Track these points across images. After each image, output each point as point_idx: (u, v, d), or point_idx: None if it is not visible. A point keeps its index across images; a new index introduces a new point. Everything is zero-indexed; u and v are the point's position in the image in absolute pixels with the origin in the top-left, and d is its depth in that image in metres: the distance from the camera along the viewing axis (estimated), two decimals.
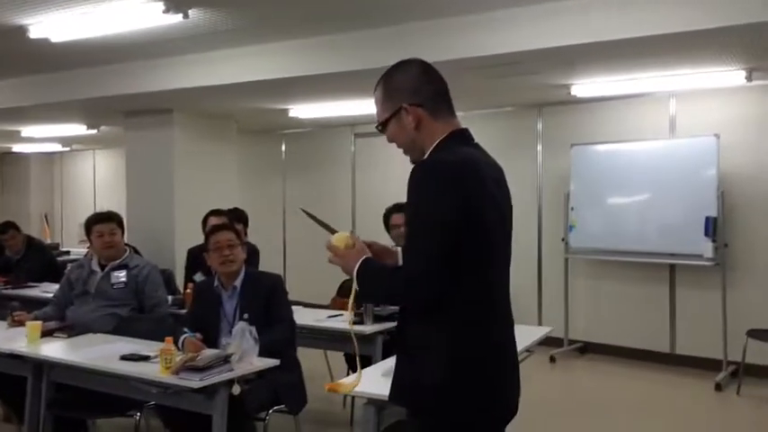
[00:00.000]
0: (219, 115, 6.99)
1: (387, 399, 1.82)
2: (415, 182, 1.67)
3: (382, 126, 1.83)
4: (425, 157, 1.76)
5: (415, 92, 1.77)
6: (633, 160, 5.86)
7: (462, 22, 4.22)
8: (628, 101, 5.99)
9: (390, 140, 1.84)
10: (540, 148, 6.65)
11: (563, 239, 6.33)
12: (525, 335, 3.43)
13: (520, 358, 3.37)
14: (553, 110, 6.50)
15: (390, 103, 1.80)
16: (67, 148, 10.75)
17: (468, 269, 1.64)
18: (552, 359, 6.09)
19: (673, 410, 4.81)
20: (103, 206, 10.15)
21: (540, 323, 6.46)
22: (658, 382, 5.48)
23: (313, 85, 5.32)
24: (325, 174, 8.33)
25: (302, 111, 6.81)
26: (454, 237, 1.61)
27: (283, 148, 8.74)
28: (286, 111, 6.84)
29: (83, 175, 11.22)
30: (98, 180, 10.97)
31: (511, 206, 1.87)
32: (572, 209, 6.18)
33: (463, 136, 1.81)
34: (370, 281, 1.71)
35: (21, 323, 3.63)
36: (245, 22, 4.42)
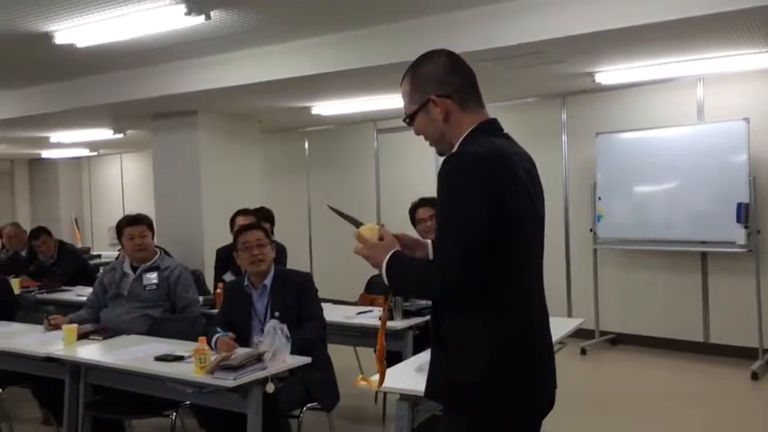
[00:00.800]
0: (243, 115, 7.04)
1: (421, 395, 1.81)
2: (445, 175, 1.65)
3: (410, 119, 1.80)
4: (454, 149, 1.74)
5: (442, 83, 1.74)
6: (661, 147, 5.77)
7: (483, 12, 4.20)
8: (654, 87, 5.91)
9: (418, 133, 1.82)
10: (564, 138, 6.59)
11: (591, 230, 6.26)
12: (556, 327, 3.38)
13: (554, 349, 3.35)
14: (577, 99, 6.43)
15: (418, 95, 1.76)
16: (95, 153, 10.93)
17: (502, 261, 1.62)
18: (583, 351, 6.03)
19: (708, 400, 4.74)
20: (132, 209, 10.33)
21: (569, 315, 6.41)
22: (693, 372, 5.41)
23: (336, 82, 5.33)
24: (349, 170, 8.35)
25: (325, 108, 6.82)
26: (486, 229, 1.58)
27: (306, 145, 8.78)
28: (309, 108, 6.86)
29: (111, 179, 11.39)
30: (126, 183, 11.13)
31: (543, 196, 1.84)
32: (599, 199, 6.11)
33: (492, 126, 1.77)
34: (401, 274, 1.69)
35: (57, 327, 3.69)
36: (267, 21, 4.44)
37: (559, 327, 3.53)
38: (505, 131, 1.81)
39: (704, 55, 4.89)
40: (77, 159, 11.37)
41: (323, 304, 3.62)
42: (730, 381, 5.13)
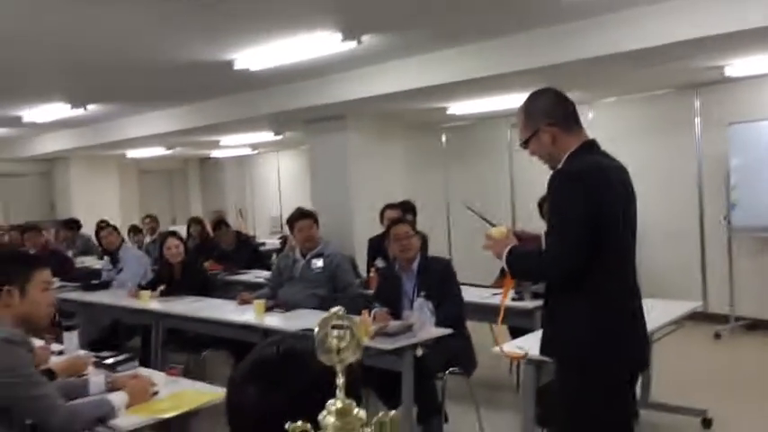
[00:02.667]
0: (386, 117, 7.72)
1: (544, 360, 2.38)
2: (553, 186, 2.22)
3: (525, 143, 2.35)
4: (561, 165, 2.27)
5: (548, 114, 2.27)
6: None
7: (613, 18, 4.45)
8: None
9: (532, 154, 2.37)
10: (698, 128, 6.68)
11: (725, 218, 6.35)
12: (671, 308, 3.78)
13: (666, 331, 3.77)
14: (709, 89, 6.50)
15: (530, 125, 2.31)
16: (256, 152, 12.19)
17: (598, 250, 2.14)
18: (717, 336, 6.16)
19: None
20: (288, 201, 11.42)
21: (704, 300, 6.53)
22: None
23: (471, 88, 5.87)
24: (484, 163, 8.82)
25: (460, 108, 7.37)
26: (585, 226, 2.12)
27: (443, 139, 9.35)
28: (445, 108, 7.45)
29: (269, 175, 12.62)
30: (282, 178, 12.31)
31: (635, 200, 2.32)
32: (733, 187, 6.19)
33: (591, 146, 2.29)
34: (517, 263, 2.28)
35: (247, 302, 4.60)
36: (409, 40, 5.06)
37: (675, 308, 3.89)
38: (603, 149, 2.32)
39: None
40: (240, 157, 12.72)
41: (462, 286, 4.23)
42: None
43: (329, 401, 0.78)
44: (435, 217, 9.10)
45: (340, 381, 0.78)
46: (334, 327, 0.78)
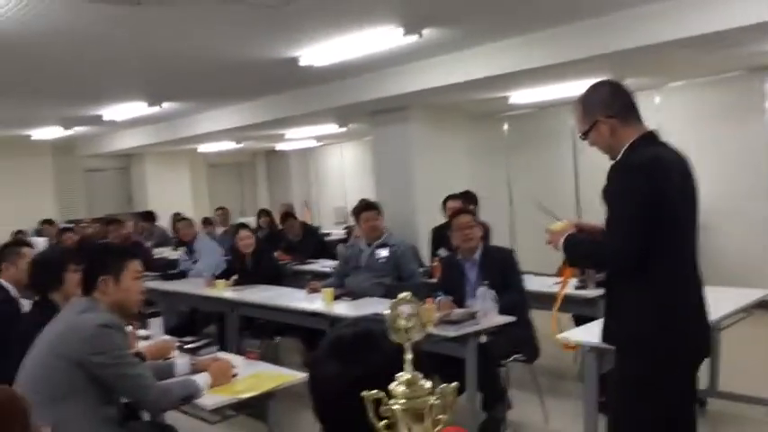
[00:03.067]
0: (448, 107, 7.80)
1: (607, 348, 2.44)
2: (613, 177, 2.27)
3: (584, 135, 2.40)
4: (620, 156, 2.31)
5: (607, 106, 2.30)
6: None
7: (678, 3, 4.41)
8: None
9: (591, 145, 2.41)
10: None
11: None
12: (739, 296, 3.75)
13: (734, 319, 3.74)
14: None
15: (589, 118, 2.35)
16: (320, 143, 12.46)
17: (659, 240, 2.18)
18: None
19: None
20: (351, 191, 11.61)
21: None
22: None
23: (530, 77, 5.88)
24: (547, 152, 8.75)
25: (522, 96, 7.36)
26: (643, 218, 2.16)
27: (505, 128, 9.33)
28: (506, 98, 7.46)
29: (333, 166, 12.87)
30: (346, 168, 12.53)
31: (694, 191, 2.33)
32: None
33: (651, 138, 2.32)
34: (574, 250, 2.35)
35: (316, 290, 4.80)
36: (468, 32, 5.12)
37: (743, 296, 3.84)
38: (663, 140, 2.35)
39: None
40: (305, 150, 13.02)
41: (525, 275, 4.29)
42: None
43: (399, 374, 0.91)
44: (498, 206, 9.11)
45: (408, 356, 0.91)
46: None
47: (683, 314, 2.24)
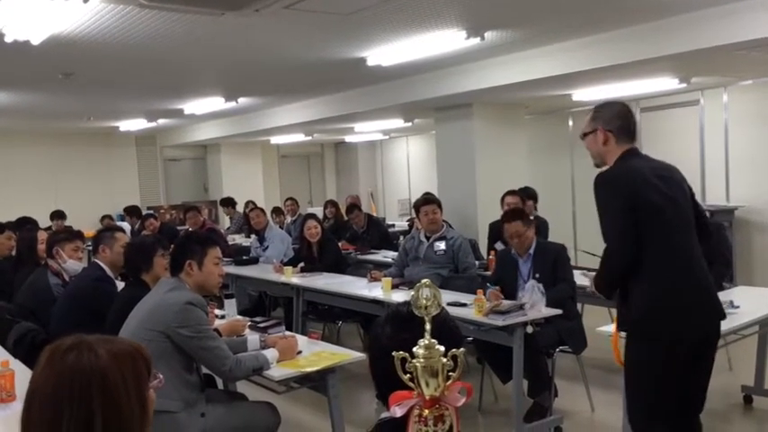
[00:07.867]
0: (511, 104, 7.93)
1: (618, 330, 2.72)
2: (596, 192, 2.63)
3: (584, 135, 2.75)
4: (605, 168, 2.66)
5: (608, 122, 2.68)
6: None
7: (744, 5, 4.45)
8: None
9: (587, 147, 2.76)
10: None
11: None
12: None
13: None
14: None
15: (593, 123, 2.72)
16: (386, 137, 12.78)
17: (646, 236, 2.50)
18: None
19: None
20: (416, 184, 11.87)
21: None
22: None
23: (592, 77, 5.98)
24: None
25: (585, 94, 7.42)
26: (626, 219, 2.50)
27: (570, 124, 9.36)
28: (570, 95, 7.54)
29: (398, 158, 13.17)
30: (411, 161, 12.81)
31: (683, 191, 2.65)
32: None
33: (632, 153, 2.67)
34: (598, 279, 2.75)
35: (377, 279, 5.11)
36: (530, 34, 5.28)
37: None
38: (643, 154, 2.71)
39: None
40: (372, 142, 13.37)
41: (583, 271, 4.45)
42: None
43: (420, 340, 1.20)
44: (560, 201, 9.18)
45: (428, 326, 1.20)
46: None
47: (678, 297, 2.52)
